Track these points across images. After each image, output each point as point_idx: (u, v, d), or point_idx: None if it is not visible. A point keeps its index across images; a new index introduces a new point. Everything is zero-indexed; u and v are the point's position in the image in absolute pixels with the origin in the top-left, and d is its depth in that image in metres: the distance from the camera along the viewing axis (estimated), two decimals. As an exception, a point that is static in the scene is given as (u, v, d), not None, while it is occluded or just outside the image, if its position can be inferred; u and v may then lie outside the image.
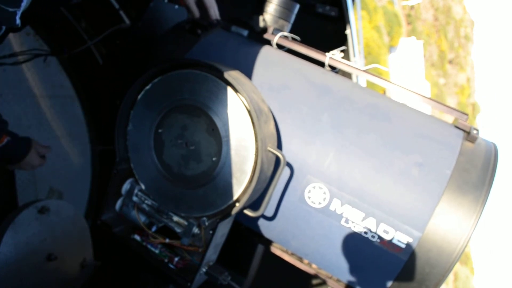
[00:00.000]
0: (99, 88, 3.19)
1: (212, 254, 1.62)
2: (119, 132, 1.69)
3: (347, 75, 3.14)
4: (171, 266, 1.66)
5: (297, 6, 2.02)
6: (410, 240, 1.45)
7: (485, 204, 1.42)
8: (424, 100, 1.75)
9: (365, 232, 1.50)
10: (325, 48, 1.94)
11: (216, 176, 1.53)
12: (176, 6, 2.15)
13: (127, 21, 2.73)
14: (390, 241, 1.47)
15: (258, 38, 1.94)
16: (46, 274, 2.05)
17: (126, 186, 1.71)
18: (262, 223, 1.73)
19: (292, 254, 1.89)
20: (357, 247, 1.54)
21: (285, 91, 1.68)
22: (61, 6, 1.69)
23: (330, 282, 1.82)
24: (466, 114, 1.67)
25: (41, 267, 2.02)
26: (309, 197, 1.56)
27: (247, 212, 1.56)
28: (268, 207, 1.64)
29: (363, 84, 4.28)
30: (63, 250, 2.13)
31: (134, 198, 1.71)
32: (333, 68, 1.85)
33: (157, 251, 1.69)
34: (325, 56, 1.83)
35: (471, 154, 1.53)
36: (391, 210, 1.48)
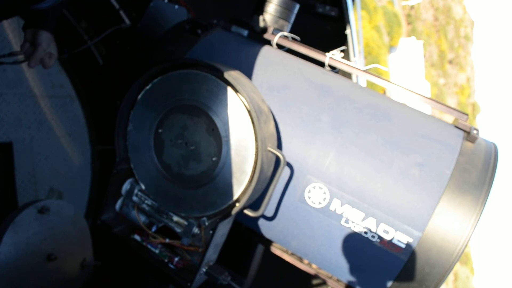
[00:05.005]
0: (99, 88, 3.20)
1: (212, 254, 1.62)
2: (119, 132, 1.69)
3: (347, 75, 3.14)
4: (171, 266, 1.66)
5: (297, 6, 2.02)
6: (410, 240, 1.45)
7: (485, 204, 1.42)
8: (424, 100, 1.75)
9: (365, 232, 1.50)
10: (325, 48, 1.94)
11: (216, 176, 1.53)
12: (176, 6, 2.15)
13: (127, 21, 2.73)
14: (390, 241, 1.47)
15: (258, 38, 1.94)
16: (46, 274, 2.05)
17: (126, 186, 1.71)
18: (262, 223, 1.73)
19: (292, 254, 1.88)
20: (357, 247, 1.54)
21: (285, 91, 1.68)
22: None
23: (330, 282, 1.82)
24: (466, 114, 1.67)
25: (41, 267, 2.02)
26: (309, 197, 1.56)
27: (247, 212, 1.56)
28: (268, 207, 1.64)
29: (363, 84, 4.28)
30: (63, 250, 2.13)
31: (134, 198, 1.71)
32: (333, 68, 1.85)
33: (157, 251, 1.69)
34: (325, 56, 1.84)
35: (471, 154, 1.53)
36: (391, 210, 1.48)
